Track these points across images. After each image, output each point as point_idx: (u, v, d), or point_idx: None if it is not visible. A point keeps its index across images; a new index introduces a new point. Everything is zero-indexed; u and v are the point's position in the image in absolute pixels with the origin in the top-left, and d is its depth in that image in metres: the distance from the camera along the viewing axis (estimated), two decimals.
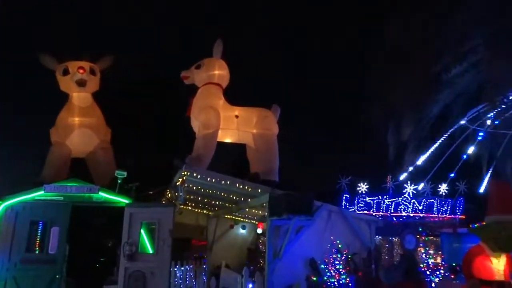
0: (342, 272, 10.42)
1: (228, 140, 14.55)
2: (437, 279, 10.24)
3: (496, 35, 12.37)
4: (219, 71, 14.23)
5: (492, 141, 16.96)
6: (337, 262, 10.60)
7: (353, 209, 16.31)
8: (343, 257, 10.79)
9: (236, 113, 14.11)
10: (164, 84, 21.99)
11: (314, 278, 10.39)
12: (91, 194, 13.23)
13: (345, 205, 16.43)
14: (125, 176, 13.51)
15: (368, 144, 17.28)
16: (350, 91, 19.37)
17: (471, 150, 16.25)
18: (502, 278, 5.59)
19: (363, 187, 17.13)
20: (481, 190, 17.79)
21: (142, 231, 12.28)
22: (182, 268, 14.22)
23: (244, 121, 14.05)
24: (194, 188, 12.69)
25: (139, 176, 14.52)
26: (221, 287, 13.06)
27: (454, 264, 11.09)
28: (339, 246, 11.10)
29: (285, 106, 14.95)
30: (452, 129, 15.76)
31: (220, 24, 27.86)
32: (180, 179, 11.79)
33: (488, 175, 17.78)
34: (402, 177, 16.37)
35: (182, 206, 14.77)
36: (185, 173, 11.35)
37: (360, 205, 16.71)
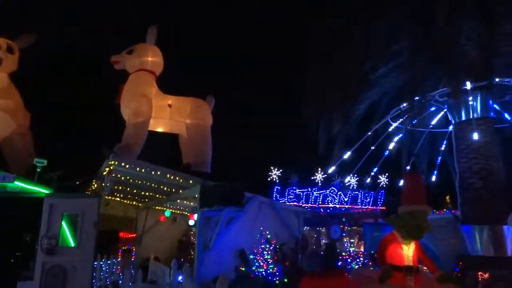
0: (270, 262, 10.69)
1: (160, 130, 14.16)
2: (357, 266, 10.91)
3: (417, 41, 13.29)
4: (152, 58, 13.74)
5: (411, 138, 18.34)
6: (265, 252, 10.85)
7: (283, 201, 16.78)
8: (272, 247, 11.06)
9: (169, 102, 13.77)
10: (93, 68, 20.75)
11: (243, 269, 10.54)
12: (5, 184, 12.12)
13: (276, 197, 16.84)
14: (45, 164, 12.55)
15: (300, 137, 17.84)
16: (284, 86, 19.89)
17: (391, 146, 17.34)
18: (410, 263, 6.09)
19: (293, 178, 17.63)
20: (401, 183, 19.20)
21: (64, 224, 11.55)
22: (109, 262, 13.66)
23: (178, 110, 13.75)
24: (123, 178, 12.22)
25: (62, 165, 13.62)
26: (149, 280, 12.78)
27: (372, 252, 11.88)
28: (268, 236, 11.36)
29: (219, 97, 14.89)
30: (377, 126, 16.70)
31: (155, 10, 26.94)
32: (107, 169, 11.28)
33: (407, 169, 19.26)
34: (331, 170, 17.12)
35: (109, 197, 14.16)
36: (113, 162, 10.87)
37: (290, 196, 17.22)
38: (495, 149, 14.09)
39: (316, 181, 18.08)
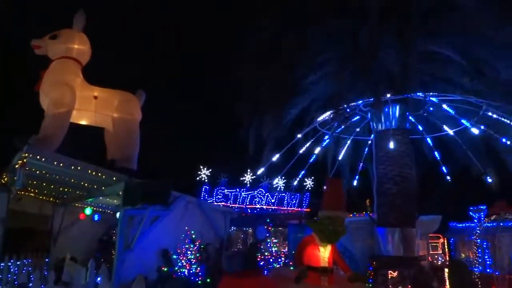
0: (193, 262, 10.59)
1: (84, 122, 13.36)
2: (278, 265, 11.23)
3: (345, 53, 14.03)
4: (79, 46, 12.93)
5: (337, 144, 19.33)
6: (189, 252, 10.73)
7: (211, 201, 16.71)
8: (196, 247, 10.98)
9: (96, 93, 13.05)
10: (10, 51, 18.99)
11: (165, 269, 10.33)
12: None
13: (204, 196, 16.72)
14: None
15: (231, 138, 17.92)
16: (218, 85, 19.83)
17: (317, 150, 18.09)
18: (326, 264, 6.40)
19: (222, 179, 17.63)
20: (325, 187, 20.11)
21: None
22: (18, 262, 12.61)
23: (104, 103, 13.08)
24: (38, 172, 11.34)
25: None
26: (62, 282, 11.97)
27: (293, 252, 12.25)
28: (193, 236, 11.25)
29: (150, 93, 14.43)
30: (305, 131, 17.30)
31: None
32: (20, 162, 10.39)
33: (331, 175, 20.25)
34: (260, 171, 17.41)
35: (21, 192, 13.04)
36: (26, 154, 10.04)
37: (219, 196, 17.19)
38: (409, 158, 15.33)
39: (245, 182, 18.28)
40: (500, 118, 15.10)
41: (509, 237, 16.11)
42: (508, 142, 15.64)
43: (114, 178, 10.96)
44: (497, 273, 15.01)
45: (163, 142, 22.28)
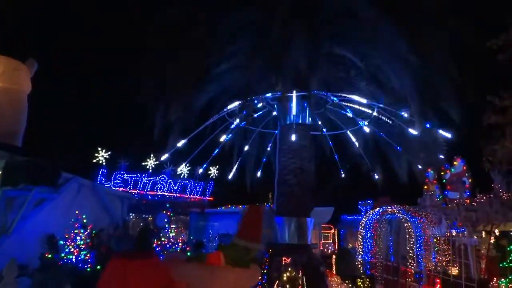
0: (82, 248, 9.87)
1: None
2: (176, 251, 11.07)
3: (255, 45, 14.26)
4: None
5: (243, 135, 19.65)
6: (78, 238, 9.97)
7: (109, 185, 15.73)
8: (87, 233, 10.25)
9: None
10: None
11: (50, 256, 9.46)
12: None
13: (101, 180, 15.66)
14: None
15: (134, 121, 17.08)
16: (123, 66, 18.67)
17: (223, 138, 18.15)
18: None
19: (122, 163, 16.69)
20: (230, 176, 20.38)
21: None
22: None
23: None
24: None
25: None
26: None
27: (192, 238, 12.22)
28: (84, 221, 10.49)
29: (45, 65, 13.00)
30: (212, 119, 17.24)
31: None
32: None
33: (236, 165, 20.55)
34: (164, 157, 16.87)
35: None
36: None
37: (117, 181, 16.21)
38: (309, 152, 16.23)
39: (147, 167, 17.58)
40: (388, 121, 16.73)
41: (388, 228, 18.05)
42: (393, 143, 17.38)
43: None
44: (377, 260, 16.72)
45: (56, 120, 20.32)
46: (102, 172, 15.80)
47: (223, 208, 19.28)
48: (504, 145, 4.37)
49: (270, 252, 13.77)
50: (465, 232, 14.65)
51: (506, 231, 16.48)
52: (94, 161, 15.85)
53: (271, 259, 13.51)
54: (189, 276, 5.44)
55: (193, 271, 5.45)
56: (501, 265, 16.03)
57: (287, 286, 6.06)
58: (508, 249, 16.26)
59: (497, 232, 16.51)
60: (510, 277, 15.67)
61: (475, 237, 15.03)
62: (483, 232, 16.62)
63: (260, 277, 5.94)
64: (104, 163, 16.01)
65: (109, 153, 16.12)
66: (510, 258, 15.95)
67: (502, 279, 15.71)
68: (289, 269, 7.29)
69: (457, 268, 14.93)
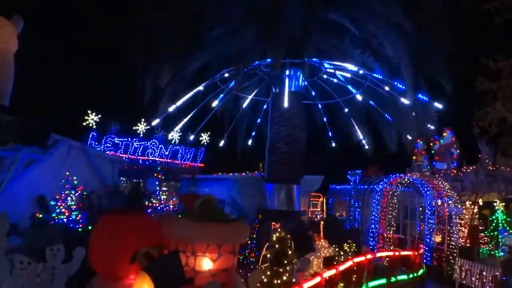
0: (73, 209, 9.92)
1: None
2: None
3: (248, 11, 13.94)
4: None
5: (236, 102, 19.53)
6: (69, 199, 9.99)
7: (100, 149, 15.63)
8: (78, 194, 10.28)
9: None
10: None
11: (40, 216, 9.50)
12: None
13: (91, 143, 15.54)
14: None
15: (125, 85, 16.75)
16: (112, 28, 18.07)
17: (214, 103, 18.00)
18: None
19: (113, 127, 16.53)
20: (221, 144, 20.41)
21: None
22: None
23: None
24: None
25: None
26: None
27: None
28: (75, 182, 10.48)
29: (33, 23, 12.56)
30: (205, 84, 17.04)
31: None
32: None
33: (228, 132, 20.54)
34: (154, 122, 16.76)
35: None
36: None
37: (108, 145, 16.11)
38: (301, 120, 16.26)
39: (138, 132, 17.44)
40: (380, 91, 16.72)
41: (375, 198, 18.38)
42: (385, 113, 17.46)
43: None
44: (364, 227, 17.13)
45: (46, 80, 19.85)
46: (92, 136, 15.65)
47: (214, 175, 19.39)
48: (495, 108, 4.41)
49: (259, 218, 14.02)
50: (450, 202, 15.02)
51: (489, 201, 16.98)
52: (84, 124, 15.66)
53: (260, 225, 13.76)
54: (179, 231, 5.55)
55: (183, 226, 5.56)
56: (483, 233, 16.61)
57: (276, 246, 6.21)
58: (490, 218, 16.81)
59: (480, 202, 16.99)
60: (490, 245, 16.27)
61: (459, 206, 15.44)
62: (468, 202, 17.09)
63: (248, 235, 6.05)
64: (94, 126, 15.85)
65: (99, 116, 15.92)
66: (492, 227, 16.52)
67: (483, 247, 16.31)
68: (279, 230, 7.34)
69: (440, 236, 15.39)
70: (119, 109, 18.57)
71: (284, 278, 5.85)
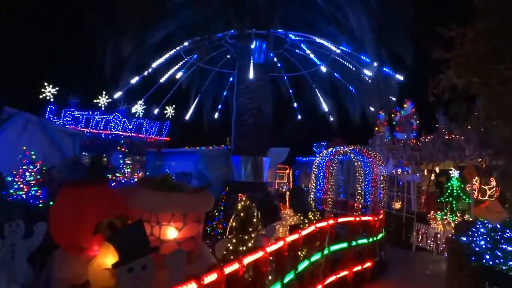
0: (32, 184, 9.60)
1: None
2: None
3: None
4: None
5: (201, 74, 19.16)
6: (27, 174, 9.64)
7: (59, 123, 15.01)
8: (36, 169, 9.92)
9: None
10: None
11: None
12: None
13: (50, 117, 14.86)
14: None
15: (83, 55, 15.98)
16: None
17: (178, 75, 17.56)
18: None
19: (72, 100, 15.85)
20: (187, 117, 20.10)
21: None
22: None
23: None
24: None
25: None
26: None
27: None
28: (33, 157, 10.10)
29: None
30: (168, 56, 16.52)
31: None
32: None
33: (194, 105, 20.21)
34: (117, 95, 16.17)
35: None
36: None
37: (67, 119, 15.46)
38: (267, 92, 16.22)
39: (99, 105, 16.81)
40: (345, 63, 16.89)
41: (339, 168, 18.96)
42: (349, 85, 17.74)
43: None
44: (328, 196, 17.69)
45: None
46: (50, 109, 14.95)
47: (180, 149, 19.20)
48: (448, 75, 4.60)
49: (227, 190, 14.12)
50: (409, 171, 15.71)
51: (445, 169, 17.91)
52: (41, 96, 14.89)
53: (227, 196, 13.88)
54: (143, 201, 5.51)
55: (147, 197, 5.51)
56: (438, 200, 17.59)
57: (241, 214, 6.32)
58: (446, 185, 17.78)
59: (437, 170, 17.89)
60: (445, 211, 17.28)
61: (417, 174, 16.20)
62: (425, 170, 17.95)
63: (213, 203, 6.11)
64: (52, 100, 15.12)
65: (57, 89, 15.17)
66: (447, 193, 17.51)
67: (439, 212, 17.32)
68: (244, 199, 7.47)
69: (399, 203, 16.16)
70: (78, 82, 17.79)
71: (249, 245, 5.99)
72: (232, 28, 15.62)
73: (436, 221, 13.61)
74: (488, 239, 6.04)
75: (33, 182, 9.54)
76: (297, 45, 17.43)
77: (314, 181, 18.51)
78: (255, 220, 6.26)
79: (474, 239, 6.14)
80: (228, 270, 4.15)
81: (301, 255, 6.79)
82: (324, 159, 18.34)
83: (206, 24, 14.66)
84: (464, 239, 6.15)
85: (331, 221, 7.86)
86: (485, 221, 7.70)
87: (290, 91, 20.38)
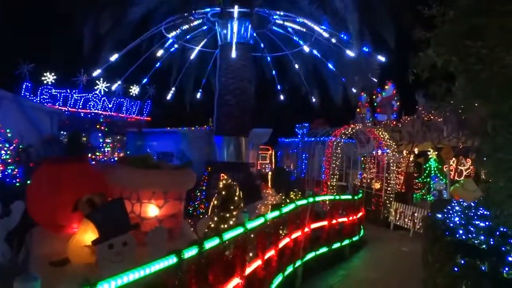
0: (8, 163, 9.37)
1: None
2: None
3: None
4: None
5: (183, 53, 18.80)
6: (3, 152, 9.39)
7: (36, 100, 14.53)
8: (13, 147, 9.67)
9: None
10: None
11: None
12: None
13: (26, 95, 14.38)
14: None
15: (60, 31, 15.41)
16: None
17: (159, 53, 17.18)
18: None
19: (49, 77, 15.33)
20: (168, 97, 19.80)
21: None
22: None
23: None
24: None
25: None
26: None
27: None
28: (9, 135, 9.83)
29: None
30: (149, 33, 16.14)
31: None
32: None
33: (175, 85, 19.91)
34: (96, 73, 15.73)
35: None
36: None
37: (44, 97, 14.96)
38: (249, 72, 16.07)
39: (78, 83, 16.31)
40: (328, 43, 16.83)
41: (321, 149, 19.13)
42: (331, 66, 17.73)
43: None
44: (309, 177, 17.90)
45: None
46: (26, 86, 14.43)
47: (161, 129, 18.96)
48: (427, 53, 4.64)
49: (209, 170, 14.10)
50: (389, 151, 16.00)
51: (423, 150, 18.31)
52: (16, 72, 14.31)
53: (210, 177, 13.87)
54: (124, 178, 5.46)
55: (127, 174, 5.46)
56: (417, 180, 18.05)
57: (223, 192, 6.35)
58: (424, 166, 18.22)
59: (416, 151, 18.27)
60: (423, 190, 17.75)
61: (397, 155, 16.52)
62: (405, 151, 18.31)
63: (194, 181, 6.12)
64: (27, 77, 14.58)
65: (33, 65, 14.60)
66: (425, 174, 17.96)
67: (417, 192, 17.79)
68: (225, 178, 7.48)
69: (379, 183, 16.49)
70: (56, 59, 17.20)
71: (231, 223, 6.03)
72: (213, 5, 15.33)
73: (414, 201, 14.00)
74: (462, 215, 6.25)
75: (10, 160, 9.30)
76: (281, 24, 17.25)
77: (296, 162, 18.69)
78: (236, 198, 6.29)
79: (449, 215, 6.34)
80: (208, 244, 4.18)
81: (282, 233, 6.89)
82: (308, 141, 18.51)
83: (187, 1, 14.34)
84: (440, 216, 6.34)
85: (311, 199, 7.98)
86: (460, 200, 7.96)
87: (274, 72, 20.26)
